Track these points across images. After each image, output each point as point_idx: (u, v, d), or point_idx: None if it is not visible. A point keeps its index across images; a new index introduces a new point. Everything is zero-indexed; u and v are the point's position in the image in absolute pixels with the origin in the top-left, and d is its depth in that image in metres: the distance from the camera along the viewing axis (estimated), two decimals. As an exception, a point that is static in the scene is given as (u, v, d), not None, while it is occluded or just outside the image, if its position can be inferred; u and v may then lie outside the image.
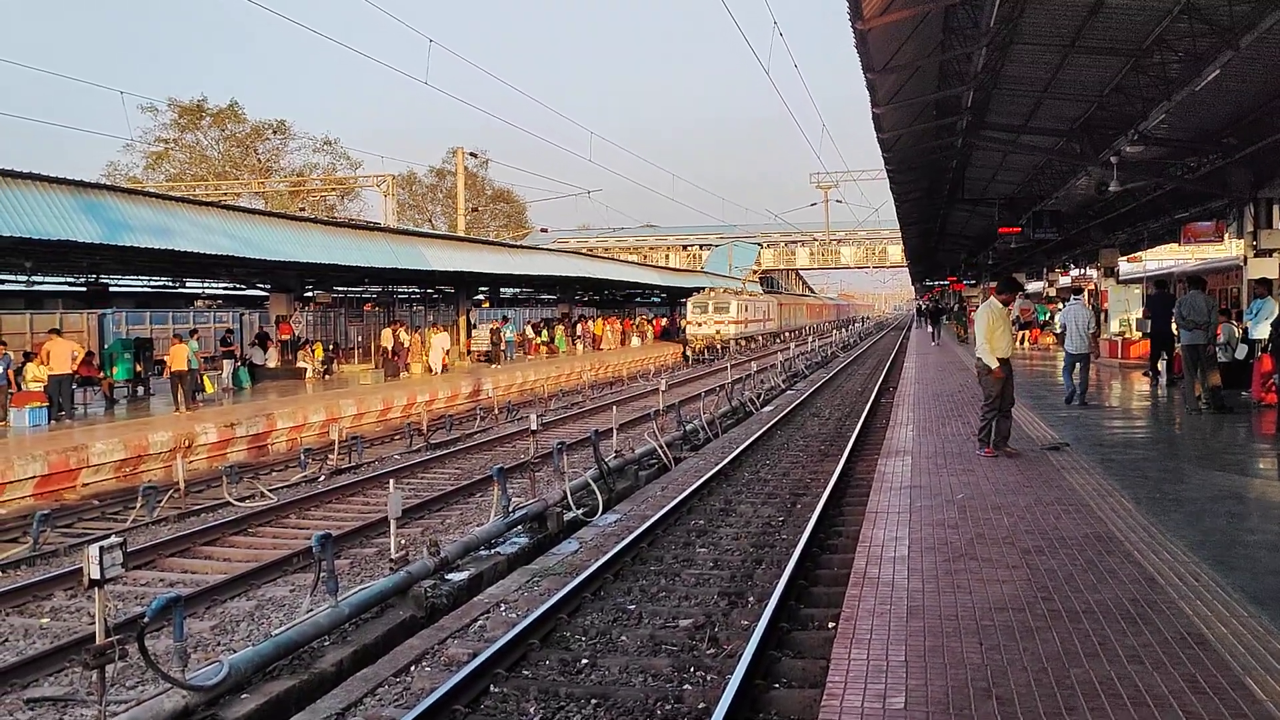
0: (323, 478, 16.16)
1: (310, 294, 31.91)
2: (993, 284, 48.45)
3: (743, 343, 48.93)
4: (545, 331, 42.36)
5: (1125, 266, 31.79)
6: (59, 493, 14.83)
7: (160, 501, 13.56)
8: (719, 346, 45.93)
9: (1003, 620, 5.43)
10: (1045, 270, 41.89)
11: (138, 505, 13.34)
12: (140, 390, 23.05)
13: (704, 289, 49.28)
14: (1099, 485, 8.80)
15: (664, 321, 57.06)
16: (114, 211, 16.79)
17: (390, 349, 28.49)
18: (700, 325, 46.53)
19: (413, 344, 30.58)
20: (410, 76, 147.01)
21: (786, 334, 63.11)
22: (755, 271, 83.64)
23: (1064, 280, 43.96)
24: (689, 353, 45.37)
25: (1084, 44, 13.22)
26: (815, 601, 8.19)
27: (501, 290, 45.87)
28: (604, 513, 12.14)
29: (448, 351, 29.22)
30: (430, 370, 26.95)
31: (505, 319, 44.12)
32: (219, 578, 10.15)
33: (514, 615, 8.24)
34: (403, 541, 10.22)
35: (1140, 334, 22.72)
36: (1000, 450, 10.43)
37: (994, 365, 10.23)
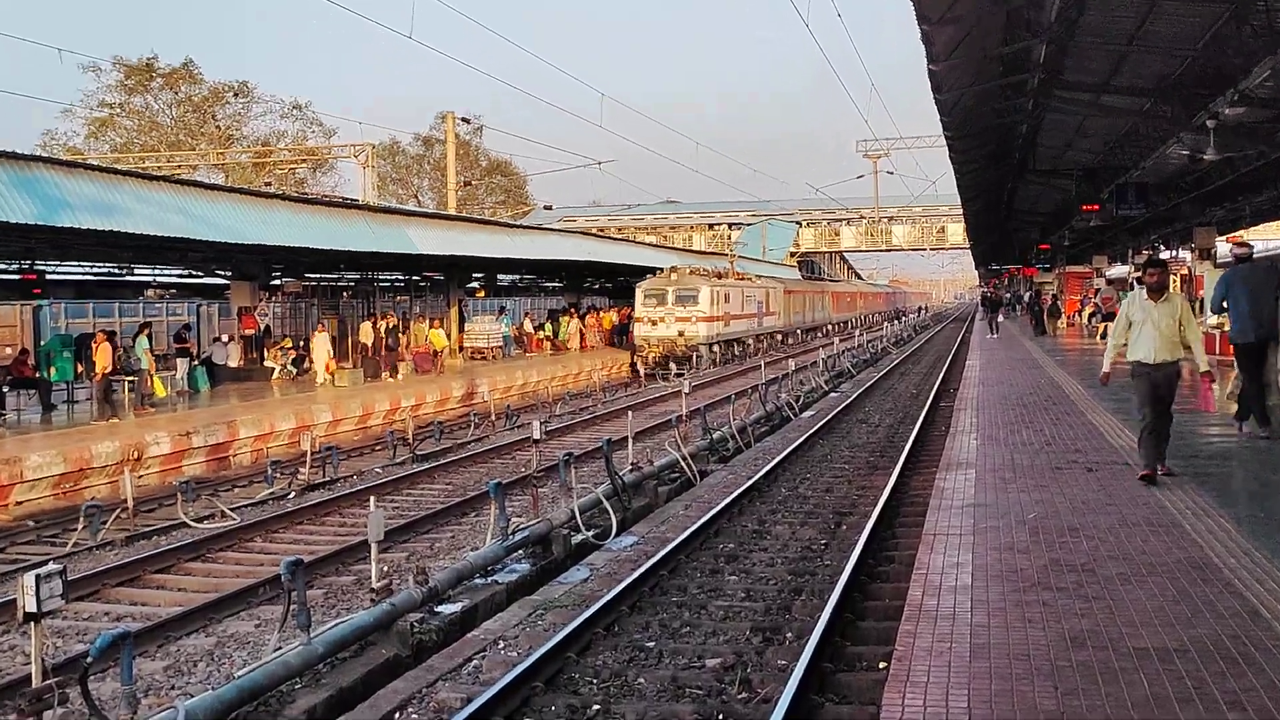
0: (293, 495, 16.22)
1: (277, 282, 32.06)
2: (1072, 268, 48.15)
3: (717, 350, 39.62)
4: (549, 324, 42.42)
5: (1223, 248, 31.58)
6: (-10, 512, 14.97)
7: (105, 522, 13.64)
8: (683, 355, 37.34)
9: (1081, 660, 5.40)
10: (1130, 252, 41.66)
11: (79, 527, 13.42)
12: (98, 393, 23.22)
13: (661, 270, 39.78)
14: (1193, 503, 8.74)
15: (618, 315, 45.70)
16: (50, 187, 16.90)
17: (371, 345, 28.61)
18: (655, 324, 37.47)
19: (408, 337, 30.69)
20: (392, 30, 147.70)
21: (799, 332, 55.56)
22: (793, 254, 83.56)
23: (1116, 271, 43.61)
24: (639, 364, 36.87)
25: (1176, -12, 13.15)
26: (863, 638, 8.17)
27: (499, 277, 45.98)
28: (618, 535, 12.16)
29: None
30: (316, 379, 26.34)
31: (503, 310, 44.32)
32: (173, 610, 10.21)
33: (514, 654, 8.25)
34: (385, 568, 10.26)
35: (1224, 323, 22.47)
36: (1149, 473, 9.70)
37: (1105, 369, 10.04)
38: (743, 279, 45.14)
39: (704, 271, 40.68)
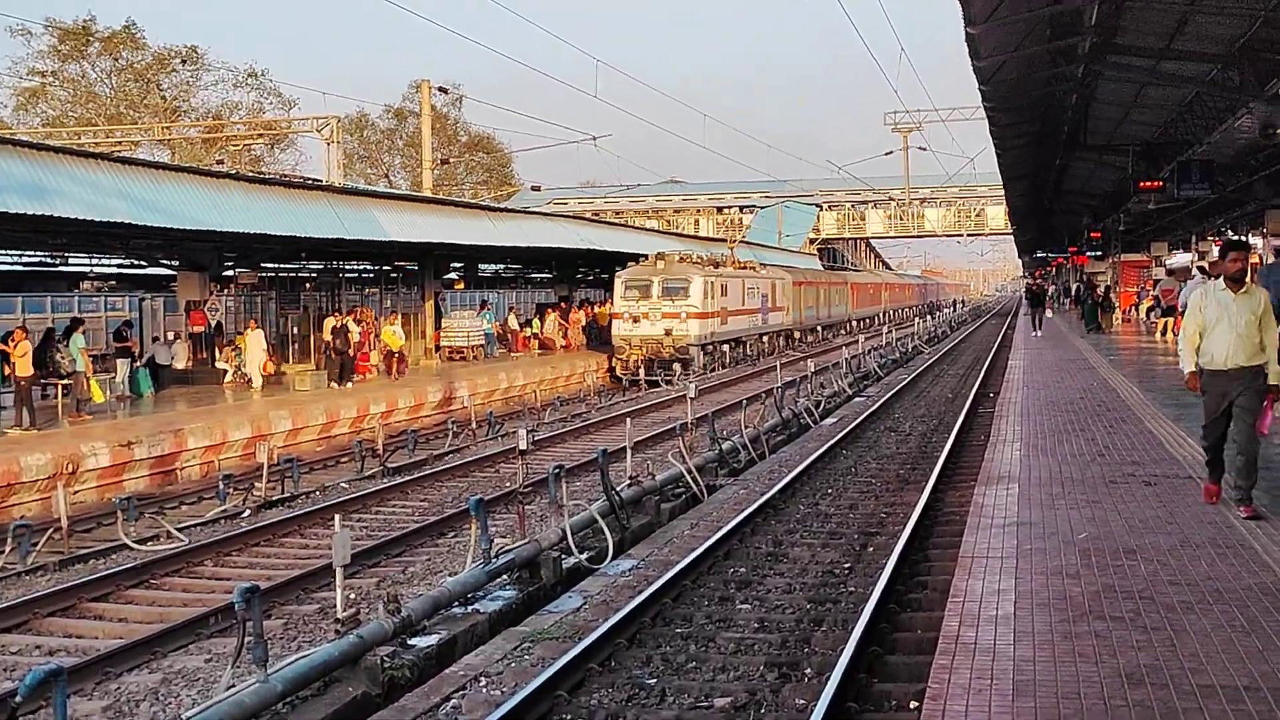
0: (248, 512, 16.22)
1: (230, 273, 32.04)
2: (1128, 257, 47.98)
3: (718, 351, 38.53)
4: (536, 321, 42.38)
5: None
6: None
7: (36, 544, 13.62)
8: (671, 359, 35.70)
9: (1138, 700, 5.40)
10: (1194, 239, 41.66)
11: (7, 549, 13.39)
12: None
13: (644, 257, 38.23)
14: (1265, 523, 8.76)
15: (585, 313, 44.63)
16: (-26, 167, 16.93)
17: (336, 344, 28.62)
18: (636, 321, 35.86)
19: (365, 336, 30.65)
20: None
21: (817, 329, 55.27)
22: (813, 240, 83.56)
23: (1177, 259, 43.50)
24: (619, 369, 36.02)
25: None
26: (893, 674, 8.16)
27: (480, 267, 45.99)
28: (615, 558, 12.15)
29: (272, 353, 28.62)
30: (249, 384, 26.14)
31: (485, 304, 44.29)
32: (113, 644, 10.22)
33: (497, 693, 8.25)
34: (352, 596, 10.26)
35: None
36: (1220, 498, 9.48)
37: (1186, 370, 9.44)
38: (744, 268, 43.64)
39: (697, 259, 38.88)
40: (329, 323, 29.61)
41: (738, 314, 40.54)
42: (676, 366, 35.41)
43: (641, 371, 35.55)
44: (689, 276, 36.20)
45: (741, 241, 64.47)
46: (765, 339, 45.41)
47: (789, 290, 49.29)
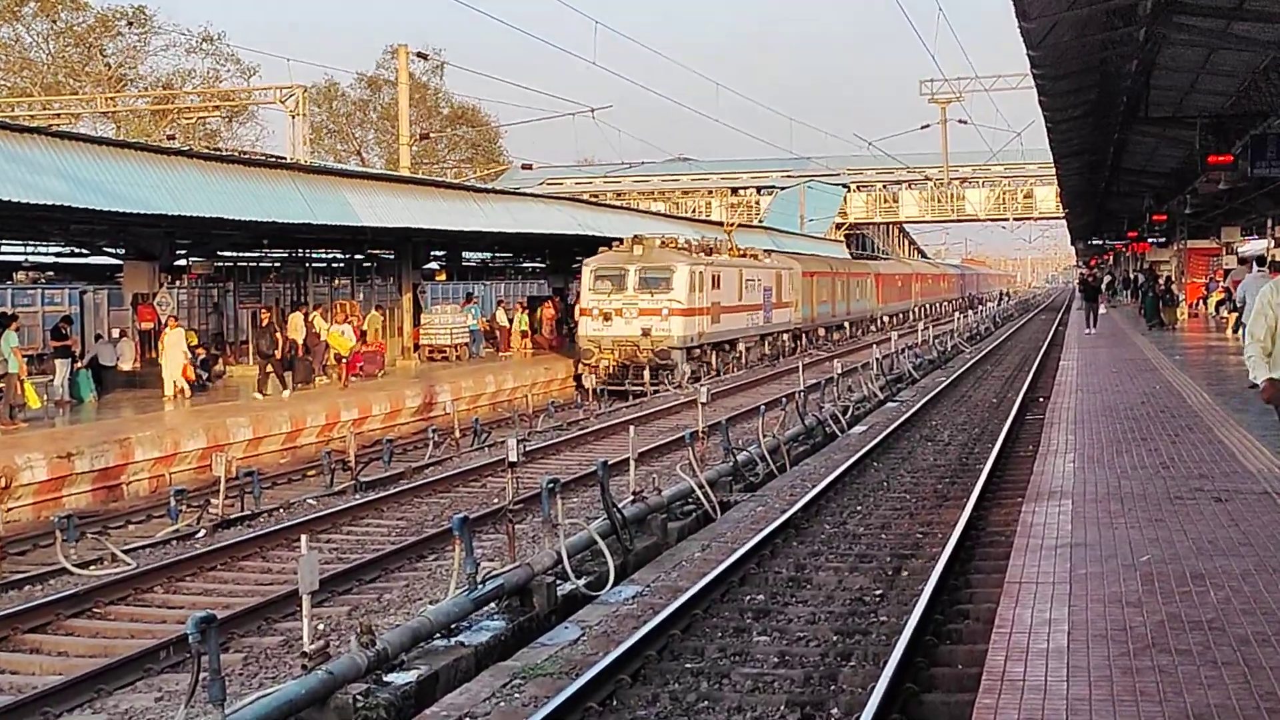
0: (203, 532, 16.23)
1: (183, 262, 32.09)
2: (1195, 244, 47.74)
3: (707, 355, 36.60)
4: (524, 315, 42.23)
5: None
6: None
7: (-35, 568, 13.68)
8: (651, 364, 33.87)
9: (1209, 743, 5.41)
10: (1271, 222, 41.61)
11: (-67, 573, 13.46)
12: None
13: (617, 241, 36.03)
14: (1352, 543, 8.76)
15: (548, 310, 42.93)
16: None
17: (303, 342, 28.63)
18: (607, 319, 33.89)
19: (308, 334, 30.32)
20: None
21: (825, 331, 53.36)
22: (839, 225, 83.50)
23: (1251, 246, 43.33)
24: (587, 377, 34.29)
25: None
26: (931, 715, 8.18)
27: (464, 255, 46.03)
28: (617, 584, 12.14)
29: (197, 355, 28.32)
30: (178, 392, 25.45)
31: (471, 297, 44.33)
32: (52, 680, 10.22)
33: (484, 735, 8.27)
34: (321, 626, 10.24)
35: None
36: None
37: (1259, 379, 9.53)
38: (743, 255, 41.96)
39: (685, 244, 37.11)
40: (294, 318, 29.62)
41: (733, 311, 38.79)
42: (649, 374, 33.86)
43: (610, 380, 33.83)
44: (672, 264, 34.43)
45: (758, 226, 64.32)
46: (768, 341, 43.99)
47: (798, 282, 47.85)
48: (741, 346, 40.53)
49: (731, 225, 48.05)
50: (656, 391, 32.84)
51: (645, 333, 33.75)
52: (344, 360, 29.97)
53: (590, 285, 34.72)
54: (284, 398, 25.83)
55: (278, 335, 27.17)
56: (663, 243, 35.90)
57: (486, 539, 14.74)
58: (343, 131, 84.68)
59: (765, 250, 46.99)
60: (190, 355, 27.50)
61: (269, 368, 26.79)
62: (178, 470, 20.40)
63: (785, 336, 46.62)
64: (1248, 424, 14.83)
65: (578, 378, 35.04)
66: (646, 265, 34.23)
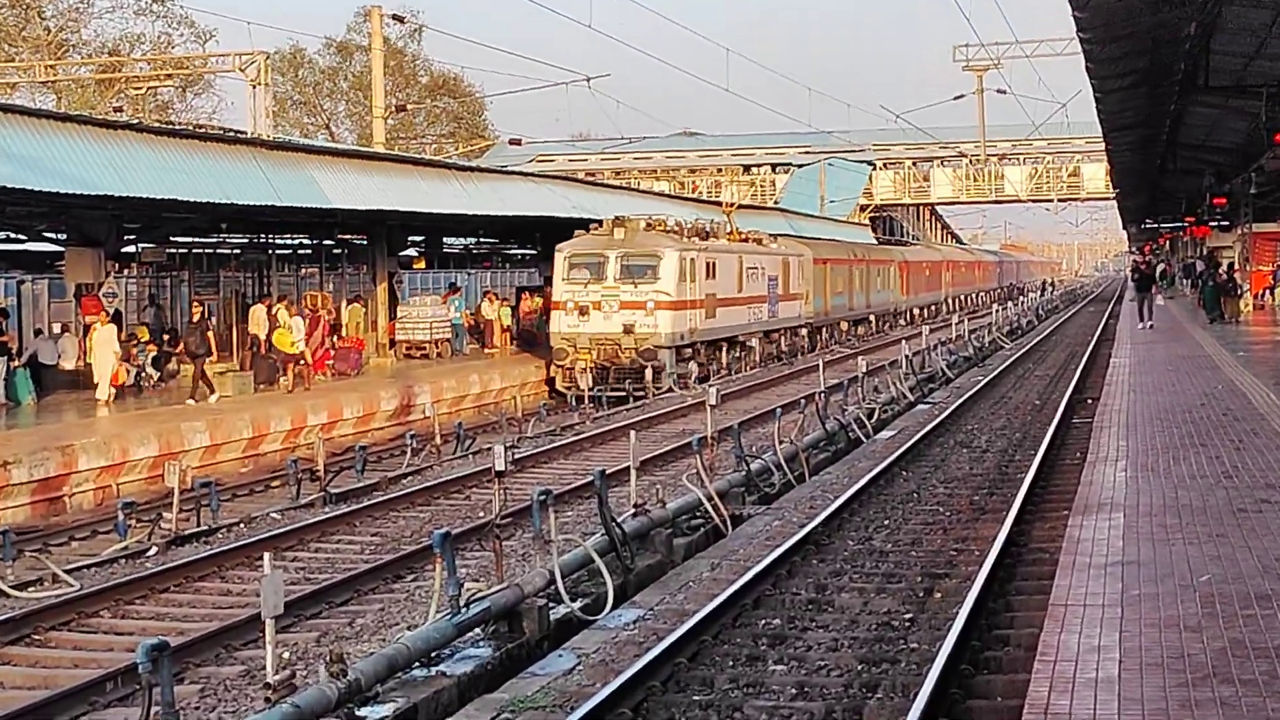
0: (155, 550, 16.16)
1: (132, 249, 32.03)
2: (1261, 227, 47.73)
3: (700, 355, 35.49)
4: (505, 309, 41.96)
5: None
6: None
7: (-108, 589, 13.62)
8: (634, 364, 32.63)
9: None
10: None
11: None
12: None
13: (597, 224, 34.76)
14: None
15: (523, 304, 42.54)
16: None
17: (265, 337, 28.58)
18: (584, 313, 32.88)
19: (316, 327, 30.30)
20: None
21: (841, 326, 52.67)
22: (864, 207, 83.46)
23: None
24: (560, 381, 33.20)
25: None
26: (965, 754, 8.11)
27: (445, 241, 46.05)
28: (617, 606, 12.12)
29: (148, 352, 28.21)
30: (109, 400, 24.84)
31: (454, 288, 44.26)
32: (-13, 714, 10.15)
33: (467, 777, 8.20)
34: (287, 655, 10.19)
35: None
36: None
37: None
38: (743, 240, 41.04)
39: (676, 226, 35.79)
40: (256, 311, 29.51)
41: (731, 304, 37.71)
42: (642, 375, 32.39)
43: (609, 381, 32.42)
44: (659, 250, 33.32)
45: (771, 208, 64.25)
46: (774, 338, 43.15)
47: (809, 271, 46.90)
48: (744, 345, 39.78)
49: (731, 206, 46.43)
50: (641, 398, 31.56)
51: (627, 329, 32.69)
52: (302, 361, 29.09)
53: (564, 274, 33.58)
54: (211, 404, 25.37)
55: (209, 334, 26.79)
56: (648, 225, 34.68)
57: (471, 557, 14.71)
58: (310, 103, 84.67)
59: (773, 235, 46.10)
60: (139, 353, 27.42)
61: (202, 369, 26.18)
62: (126, 481, 20.38)
63: (797, 333, 46.12)
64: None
65: (550, 381, 33.97)
66: (629, 251, 33.18)
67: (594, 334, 32.65)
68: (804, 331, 46.95)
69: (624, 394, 32.15)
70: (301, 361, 29.00)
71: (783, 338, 44.20)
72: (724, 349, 37.75)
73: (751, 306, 39.95)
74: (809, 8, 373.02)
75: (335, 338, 32.63)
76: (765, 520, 15.73)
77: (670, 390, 32.40)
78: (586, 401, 30.34)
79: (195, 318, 27.93)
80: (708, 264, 35.53)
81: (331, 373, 30.78)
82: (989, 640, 10.33)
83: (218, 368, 28.98)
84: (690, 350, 34.77)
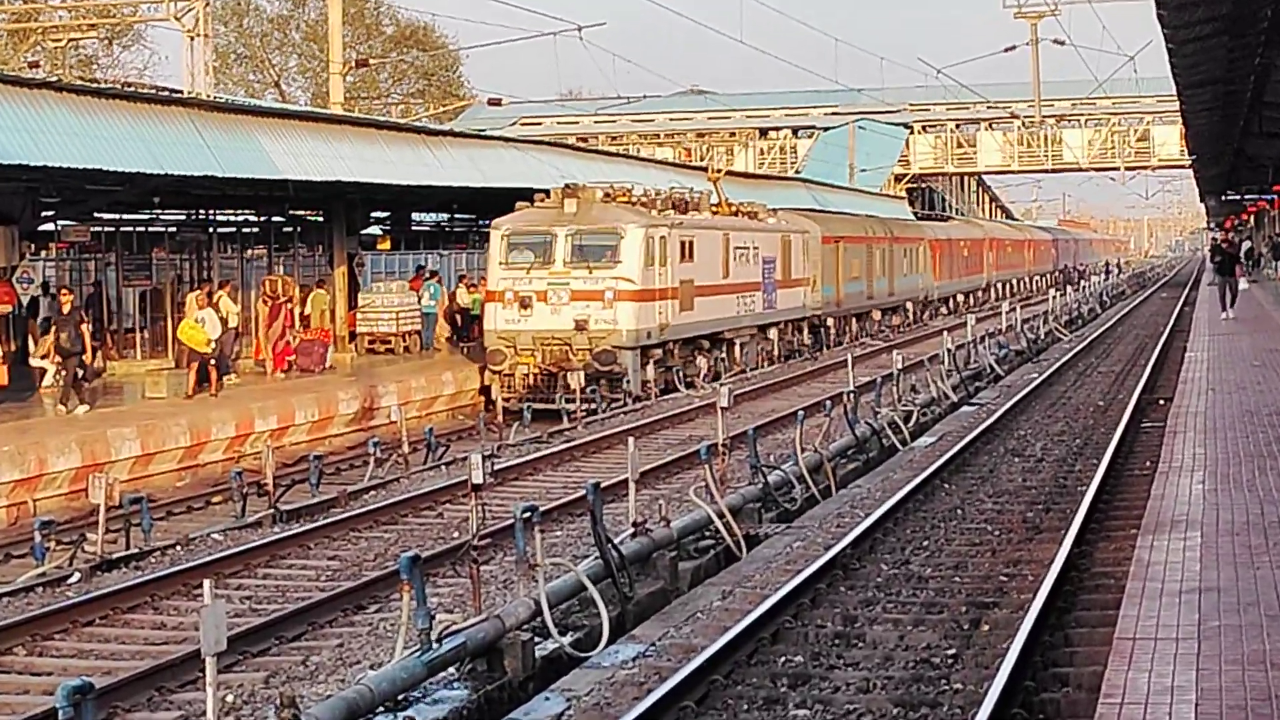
0: (77, 576, 16.13)
1: (52, 226, 32.02)
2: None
3: (673, 358, 33.62)
4: (476, 297, 41.72)
5: None
6: None
7: None
8: (589, 372, 30.17)
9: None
10: None
11: None
12: None
13: (542, 194, 32.97)
14: None
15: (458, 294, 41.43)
16: None
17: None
18: (526, 307, 30.85)
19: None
20: None
21: (855, 317, 50.70)
22: (900, 177, 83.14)
23: None
24: (498, 389, 30.78)
25: None
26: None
27: (414, 218, 45.96)
28: (613, 641, 12.13)
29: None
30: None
31: (432, 273, 43.96)
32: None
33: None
34: (230, 698, 10.26)
35: None
36: None
37: None
38: (734, 214, 39.17)
39: (646, 197, 34.04)
40: (193, 298, 29.37)
41: (714, 292, 35.51)
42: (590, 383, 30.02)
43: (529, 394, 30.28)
44: (619, 227, 31.33)
45: (793, 178, 63.90)
46: (770, 334, 41.08)
47: (815, 251, 44.98)
48: (732, 344, 37.72)
49: (719, 172, 43.64)
50: (591, 413, 29.22)
51: (580, 326, 30.65)
52: (210, 361, 27.61)
53: (502, 257, 31.70)
54: (79, 415, 24.43)
55: (83, 327, 25.52)
56: (607, 195, 32.76)
57: (444, 584, 14.75)
58: (257, 58, 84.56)
59: (770, 209, 43.29)
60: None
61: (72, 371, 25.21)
62: (44, 496, 20.38)
63: (800, 328, 44.48)
64: None
65: (485, 390, 31.92)
66: (583, 228, 31.17)
67: (538, 332, 30.83)
68: (811, 325, 45.40)
69: (560, 409, 29.31)
70: (212, 363, 27.65)
71: (784, 335, 42.26)
72: (705, 349, 35.54)
73: (741, 296, 37.85)
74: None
75: (299, 330, 32.02)
76: (785, 541, 15.80)
77: (637, 400, 30.91)
78: (525, 419, 28.17)
79: (65, 308, 26.26)
80: (683, 243, 33.69)
81: (295, 369, 30.72)
82: (1045, 680, 10.33)
83: (149, 365, 29.00)
84: (660, 351, 32.89)
